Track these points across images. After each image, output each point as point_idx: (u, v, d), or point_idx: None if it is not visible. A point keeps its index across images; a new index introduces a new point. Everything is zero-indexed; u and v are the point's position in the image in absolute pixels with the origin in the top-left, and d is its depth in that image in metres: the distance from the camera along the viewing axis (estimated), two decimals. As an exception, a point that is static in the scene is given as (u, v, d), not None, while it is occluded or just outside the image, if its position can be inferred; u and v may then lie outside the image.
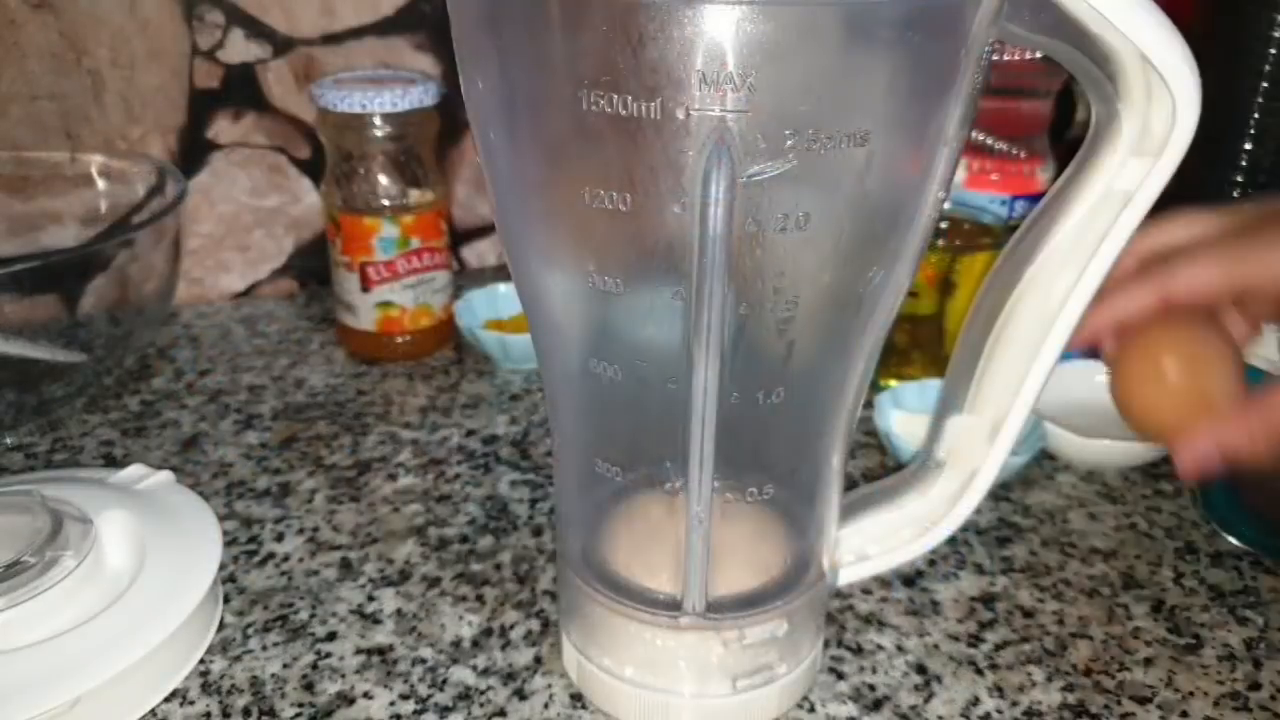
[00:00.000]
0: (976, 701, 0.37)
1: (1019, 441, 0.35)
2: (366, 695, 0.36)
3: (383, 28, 0.66)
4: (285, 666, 0.38)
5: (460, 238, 0.73)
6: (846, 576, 0.38)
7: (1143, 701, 0.37)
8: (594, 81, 0.25)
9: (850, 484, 0.47)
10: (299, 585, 0.42)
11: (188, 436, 0.52)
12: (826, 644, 0.39)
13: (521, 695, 0.37)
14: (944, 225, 0.56)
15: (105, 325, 0.53)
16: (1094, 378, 0.55)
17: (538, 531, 0.45)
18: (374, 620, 0.40)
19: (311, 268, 0.70)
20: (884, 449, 0.51)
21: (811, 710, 0.36)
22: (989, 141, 0.59)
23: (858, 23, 0.25)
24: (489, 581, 0.42)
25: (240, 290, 0.69)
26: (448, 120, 0.61)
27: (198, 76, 0.63)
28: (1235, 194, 0.68)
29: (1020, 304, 0.34)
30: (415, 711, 0.36)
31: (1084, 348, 0.39)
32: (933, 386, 0.53)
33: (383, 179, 0.58)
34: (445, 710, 0.36)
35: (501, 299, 0.63)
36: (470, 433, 0.53)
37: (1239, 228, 0.37)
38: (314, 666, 0.38)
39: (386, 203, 0.58)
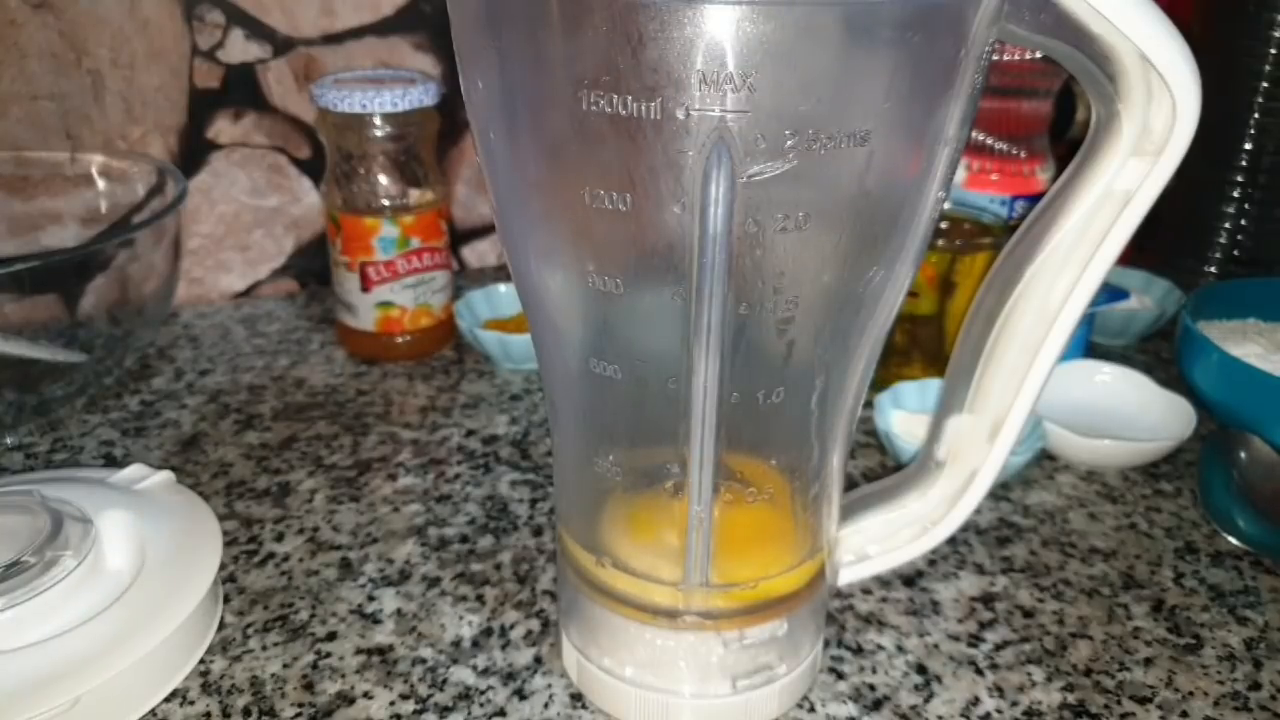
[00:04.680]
0: (976, 701, 0.37)
1: (1019, 441, 0.35)
2: (366, 695, 0.36)
3: (383, 28, 0.66)
4: (285, 666, 0.38)
5: (460, 238, 0.73)
6: (846, 576, 0.38)
7: (1143, 701, 0.37)
8: (594, 81, 0.25)
9: (850, 484, 0.47)
10: (299, 585, 0.42)
11: (188, 436, 0.52)
12: (826, 644, 0.39)
13: (521, 695, 0.37)
14: (944, 225, 0.56)
15: (105, 325, 0.53)
16: (1094, 377, 0.56)
17: (538, 531, 0.45)
18: (374, 620, 0.40)
19: (311, 268, 0.70)
20: (884, 449, 0.51)
21: (811, 710, 0.36)
22: (989, 141, 0.59)
23: (858, 23, 0.25)
24: (489, 581, 0.42)
25: (240, 290, 0.69)
26: (448, 120, 0.61)
27: (198, 76, 0.63)
28: (1235, 194, 0.68)
29: (1020, 304, 0.34)
30: (415, 711, 0.36)
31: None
32: (933, 386, 0.53)
33: (383, 179, 0.58)
34: (445, 710, 0.36)
35: (501, 299, 0.63)
36: (470, 433, 0.53)
37: None
38: (314, 666, 0.38)
39: (386, 203, 0.58)
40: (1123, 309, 0.61)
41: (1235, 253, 0.69)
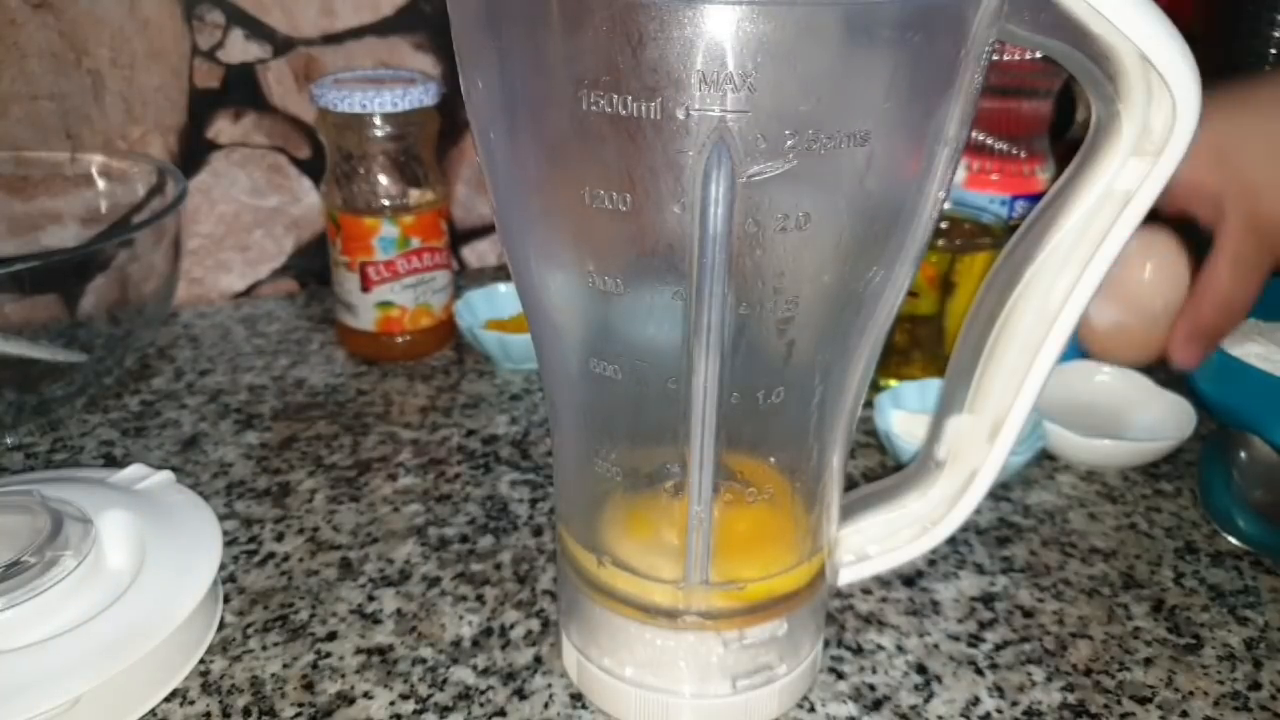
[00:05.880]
0: (976, 701, 0.37)
1: (1019, 441, 0.35)
2: (366, 695, 0.36)
3: (383, 28, 0.66)
4: (285, 666, 0.38)
5: (460, 238, 0.73)
6: (846, 576, 0.38)
7: (1143, 701, 0.37)
8: (594, 81, 0.25)
9: (850, 484, 0.47)
10: (299, 585, 0.42)
11: (188, 436, 0.52)
12: (826, 644, 0.39)
13: (521, 695, 0.37)
14: (944, 225, 0.56)
15: (105, 325, 0.53)
16: (1094, 378, 0.56)
17: (538, 531, 0.45)
18: (374, 620, 0.40)
19: (311, 268, 0.70)
20: (884, 449, 0.51)
21: (811, 710, 0.36)
22: (989, 141, 0.59)
23: (858, 23, 0.25)
24: (489, 581, 0.42)
25: (240, 290, 0.69)
26: (448, 120, 0.61)
27: (198, 76, 0.63)
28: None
29: (1020, 304, 0.34)
30: (415, 711, 0.36)
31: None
32: (933, 386, 0.53)
33: (383, 179, 0.58)
34: (445, 710, 0.36)
35: (501, 299, 0.63)
36: (470, 433, 0.53)
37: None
38: (314, 666, 0.38)
39: (386, 203, 0.58)
40: (1123, 309, 0.61)
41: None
